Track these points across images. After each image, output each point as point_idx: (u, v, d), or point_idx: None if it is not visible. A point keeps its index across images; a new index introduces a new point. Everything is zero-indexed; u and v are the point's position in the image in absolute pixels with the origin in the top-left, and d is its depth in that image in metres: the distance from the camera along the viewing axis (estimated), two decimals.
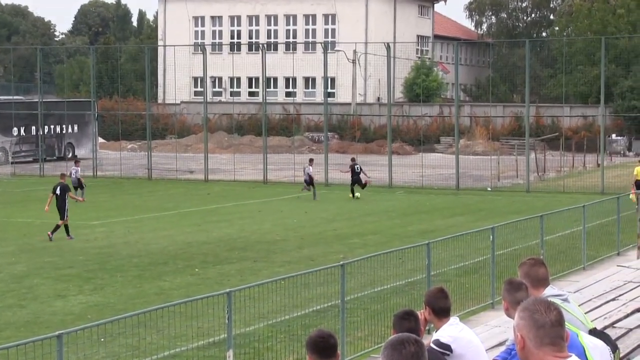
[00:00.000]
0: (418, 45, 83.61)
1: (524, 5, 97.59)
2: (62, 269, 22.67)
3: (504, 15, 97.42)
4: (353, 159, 41.13)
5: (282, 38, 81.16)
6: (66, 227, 27.60)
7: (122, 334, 14.87)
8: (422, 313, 7.52)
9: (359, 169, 39.85)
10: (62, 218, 27.68)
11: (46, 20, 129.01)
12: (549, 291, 7.10)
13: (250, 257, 24.33)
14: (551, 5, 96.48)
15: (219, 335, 14.68)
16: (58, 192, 28.02)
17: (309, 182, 40.10)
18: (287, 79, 79.79)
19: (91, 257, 24.30)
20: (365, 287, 18.67)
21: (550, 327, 4.24)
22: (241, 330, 15.40)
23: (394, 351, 4.30)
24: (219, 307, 13.73)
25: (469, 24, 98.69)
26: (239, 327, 15.17)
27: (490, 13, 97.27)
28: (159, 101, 79.63)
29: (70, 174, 37.29)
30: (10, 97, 63.52)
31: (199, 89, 76.21)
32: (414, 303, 16.25)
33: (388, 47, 49.16)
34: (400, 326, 7.04)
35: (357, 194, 39.44)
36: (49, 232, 27.14)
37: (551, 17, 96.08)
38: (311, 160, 42.00)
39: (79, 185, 37.55)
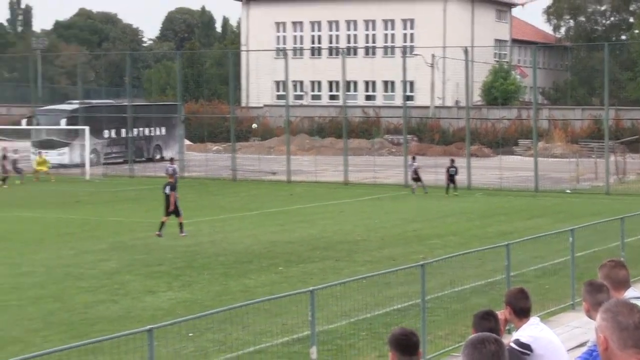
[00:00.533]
0: (496, 49, 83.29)
1: (602, 8, 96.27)
2: (152, 266, 23.28)
3: (582, 18, 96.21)
4: (452, 160, 42.52)
5: (361, 42, 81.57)
6: (162, 223, 28.30)
7: (209, 330, 15.39)
8: (502, 313, 7.55)
9: (454, 171, 41.42)
10: (177, 215, 28.44)
11: (134, 26, 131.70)
12: (630, 293, 7.06)
13: (332, 256, 24.68)
14: (630, 8, 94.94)
15: (303, 332, 14.97)
16: (167, 191, 28.72)
17: (417, 178, 41.76)
18: (366, 83, 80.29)
19: (179, 255, 24.90)
20: (445, 286, 18.82)
21: (634, 329, 4.12)
22: (324, 328, 15.59)
23: (474, 350, 4.33)
24: (303, 304, 14.07)
25: (547, 28, 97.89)
26: (322, 324, 15.37)
27: (569, 17, 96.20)
28: (243, 104, 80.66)
29: (169, 171, 36.22)
30: (102, 101, 65.38)
31: (281, 92, 76.99)
32: (494, 303, 16.19)
33: (466, 51, 49.25)
34: (481, 326, 7.00)
35: (455, 192, 40.99)
36: (180, 234, 28.05)
37: (630, 20, 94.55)
38: (414, 157, 43.11)
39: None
